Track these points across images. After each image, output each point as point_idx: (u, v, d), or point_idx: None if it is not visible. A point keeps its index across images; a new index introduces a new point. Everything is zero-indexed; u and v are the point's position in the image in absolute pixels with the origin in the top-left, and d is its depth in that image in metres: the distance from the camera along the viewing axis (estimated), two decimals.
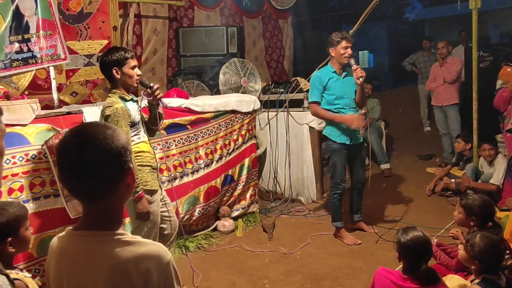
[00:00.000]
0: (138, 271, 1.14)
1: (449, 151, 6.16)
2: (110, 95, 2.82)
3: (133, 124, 2.79)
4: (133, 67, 2.82)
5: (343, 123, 3.81)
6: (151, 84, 2.92)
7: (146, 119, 3.05)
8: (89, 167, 1.14)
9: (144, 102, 3.03)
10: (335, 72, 3.88)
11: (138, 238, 1.21)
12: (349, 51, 3.82)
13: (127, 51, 2.82)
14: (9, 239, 1.86)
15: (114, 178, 1.18)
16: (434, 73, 6.34)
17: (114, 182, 1.18)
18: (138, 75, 2.85)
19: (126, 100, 2.81)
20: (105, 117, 2.70)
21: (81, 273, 1.18)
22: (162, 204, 2.98)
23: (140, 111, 2.93)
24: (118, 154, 1.17)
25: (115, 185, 1.19)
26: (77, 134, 1.18)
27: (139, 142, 2.86)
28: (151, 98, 2.92)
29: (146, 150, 2.87)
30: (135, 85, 2.88)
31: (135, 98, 2.91)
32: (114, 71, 2.78)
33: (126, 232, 1.22)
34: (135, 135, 2.84)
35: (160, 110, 3.02)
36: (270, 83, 5.54)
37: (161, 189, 3.04)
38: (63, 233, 1.27)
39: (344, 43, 3.80)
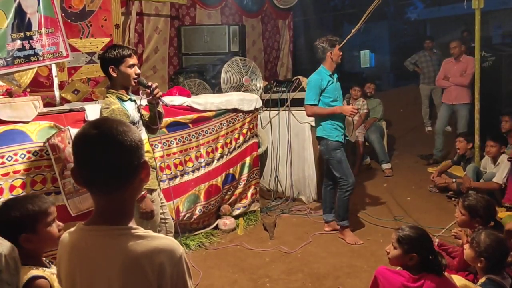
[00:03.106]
0: (152, 265, 1.14)
1: (439, 148, 6.27)
2: (107, 95, 2.75)
3: (132, 124, 2.75)
4: (130, 66, 2.71)
5: (342, 113, 3.94)
6: (149, 83, 2.82)
7: (147, 118, 3.02)
8: (108, 159, 1.14)
9: (144, 101, 2.99)
10: (330, 75, 3.99)
11: (150, 232, 1.21)
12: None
13: (125, 49, 2.71)
14: (22, 235, 1.75)
15: (131, 171, 1.18)
16: (445, 69, 6.30)
17: (130, 176, 1.19)
18: (136, 74, 2.74)
19: (123, 100, 2.74)
20: None
21: (94, 268, 1.18)
22: (160, 206, 2.97)
23: (139, 109, 2.89)
24: (135, 147, 1.18)
25: (131, 178, 1.19)
26: (96, 126, 1.18)
27: None
28: (150, 97, 2.84)
29: (146, 150, 2.86)
30: (133, 84, 2.77)
31: (133, 97, 2.85)
32: (110, 70, 2.69)
33: (138, 226, 1.22)
34: None
35: (160, 109, 2.96)
36: (272, 82, 5.54)
37: (160, 189, 3.03)
38: (74, 228, 1.26)
39: (338, 45, 3.98)
